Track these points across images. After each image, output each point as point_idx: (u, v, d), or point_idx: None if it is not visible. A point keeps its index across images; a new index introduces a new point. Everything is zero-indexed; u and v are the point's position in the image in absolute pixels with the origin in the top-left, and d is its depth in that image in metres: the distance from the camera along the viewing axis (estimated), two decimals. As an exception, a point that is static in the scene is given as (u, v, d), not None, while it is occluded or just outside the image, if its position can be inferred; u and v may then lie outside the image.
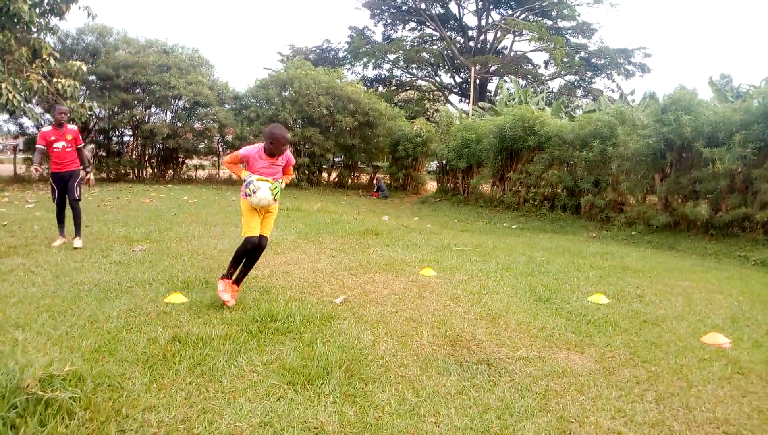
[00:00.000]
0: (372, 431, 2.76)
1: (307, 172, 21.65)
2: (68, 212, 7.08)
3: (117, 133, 20.31)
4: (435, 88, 42.24)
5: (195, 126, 20.40)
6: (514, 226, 13.60)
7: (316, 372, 3.32)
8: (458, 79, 41.14)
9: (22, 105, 13.80)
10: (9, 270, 5.49)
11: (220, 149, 21.95)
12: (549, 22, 35.37)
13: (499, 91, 31.98)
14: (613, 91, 36.09)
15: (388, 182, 22.53)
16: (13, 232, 7.73)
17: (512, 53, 38.95)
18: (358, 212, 13.09)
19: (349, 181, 22.80)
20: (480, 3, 37.31)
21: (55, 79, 14.31)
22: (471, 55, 36.26)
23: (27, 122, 18.21)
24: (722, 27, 77.41)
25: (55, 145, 6.90)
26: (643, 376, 3.58)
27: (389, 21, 40.04)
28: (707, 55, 75.83)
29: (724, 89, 17.11)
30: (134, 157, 20.34)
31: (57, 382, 2.86)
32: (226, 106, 20.94)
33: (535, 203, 15.47)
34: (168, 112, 20.18)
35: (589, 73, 37.52)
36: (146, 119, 19.30)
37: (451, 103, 39.95)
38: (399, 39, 38.88)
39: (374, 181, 22.68)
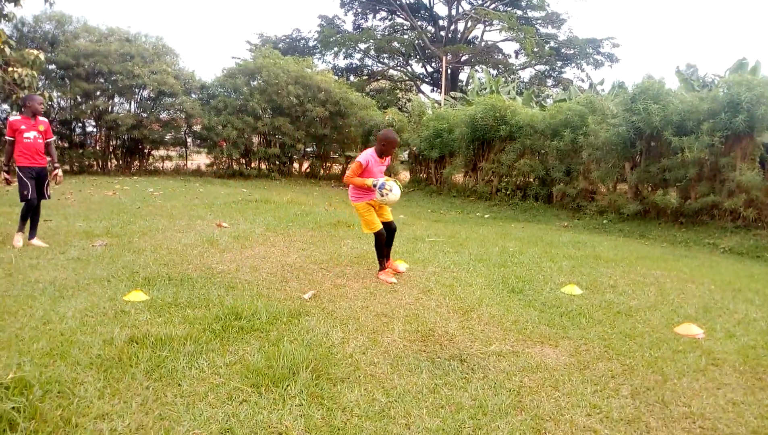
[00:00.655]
0: (340, 435, 2.62)
1: (277, 162, 21.30)
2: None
3: (80, 123, 19.63)
4: (407, 78, 42.02)
5: (161, 116, 19.84)
6: (486, 216, 13.57)
7: (281, 373, 3.17)
8: (430, 69, 41.01)
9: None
10: (-43, 268, 5.18)
11: (188, 140, 21.44)
12: (519, 12, 35.40)
13: (471, 80, 31.88)
14: (582, 80, 36.52)
15: (361, 172, 22.29)
16: (-36, 228, 7.34)
17: (483, 43, 38.94)
18: (329, 203, 12.89)
19: (321, 171, 22.52)
20: (451, -8, 37.18)
21: (11, 69, 13.69)
22: (442, 45, 36.12)
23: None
24: (688, 17, 78.73)
25: (26, 135, 6.30)
26: (618, 369, 3.52)
27: (359, 10, 39.61)
28: (673, 46, 77.08)
29: (690, 79, 17.33)
30: (98, 148, 19.70)
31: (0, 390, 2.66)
32: (193, 95, 20.39)
33: (508, 192, 15.46)
34: (132, 102, 19.55)
35: (559, 63, 37.75)
36: (110, 109, 18.69)
37: (423, 93, 39.85)
38: (370, 28, 38.52)
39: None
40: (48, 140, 6.58)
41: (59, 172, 6.67)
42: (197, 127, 20.11)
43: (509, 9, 35.16)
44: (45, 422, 2.57)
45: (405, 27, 39.17)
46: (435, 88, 39.59)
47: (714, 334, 4.30)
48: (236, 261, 6.03)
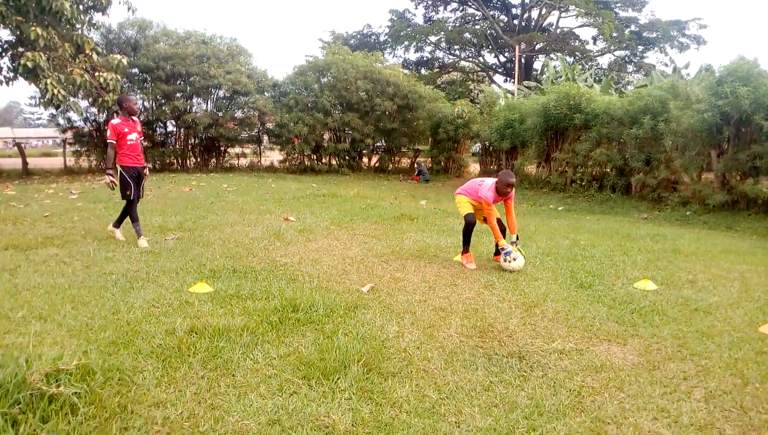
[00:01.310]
0: (386, 431, 2.56)
1: (347, 157, 21.51)
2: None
3: (161, 123, 20.66)
4: (479, 69, 41.34)
5: (236, 115, 20.54)
6: (560, 208, 13.10)
7: (333, 366, 3.14)
8: (502, 59, 40.15)
9: (67, 99, 14.13)
10: (42, 260, 5.53)
11: (264, 138, 22.11)
12: (596, -4, 33.93)
13: (545, 69, 30.90)
14: (666, 65, 34.51)
15: (430, 166, 22.15)
16: (53, 223, 7.85)
17: (558, 30, 37.63)
18: (395, 197, 12.87)
19: (390, 165, 22.55)
20: (524, -21, 36.18)
21: (97, 73, 14.57)
22: (515, 34, 35.25)
23: (74, 116, 18.71)
24: (786, -7, 72.54)
25: (129, 138, 6.43)
26: (691, 371, 3.25)
27: (430, 3, 39.30)
28: (770, 24, 71.36)
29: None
30: (177, 147, 20.67)
31: (63, 376, 2.77)
32: (266, 94, 20.98)
33: (583, 184, 14.87)
34: (209, 102, 20.38)
35: (641, 48, 35.87)
36: (188, 109, 19.53)
37: (496, 83, 39.05)
38: (440, 20, 38.16)
39: (415, 165, 22.36)
40: (141, 139, 6.75)
41: (146, 170, 6.89)
42: (270, 125, 20.65)
43: (586, -8, 33.73)
44: (103, 408, 2.66)
45: (477, 17, 38.51)
46: (508, 79, 38.73)
47: (806, 335, 3.90)
48: (299, 254, 6.10)
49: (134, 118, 6.64)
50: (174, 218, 8.34)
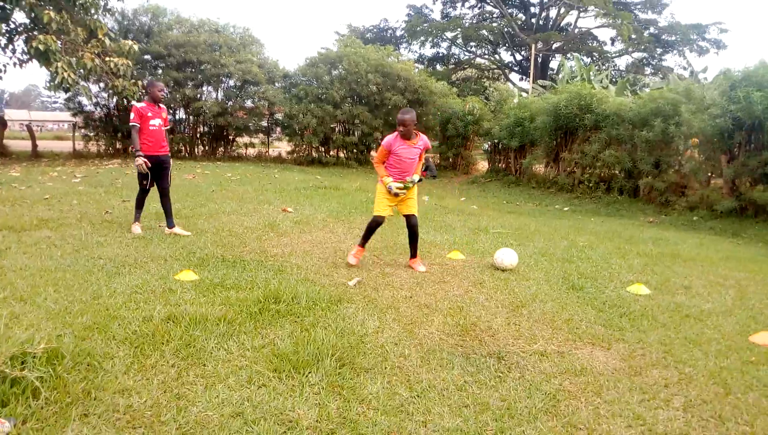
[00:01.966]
0: (350, 428, 2.50)
1: (355, 150, 21.43)
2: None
3: (170, 111, 20.70)
4: (494, 66, 41.06)
5: (245, 104, 20.53)
6: (566, 209, 12.96)
7: (306, 359, 3.09)
8: (519, 57, 39.88)
9: (77, 83, 14.18)
10: (33, 242, 5.53)
11: (274, 128, 22.10)
12: (616, -4, 33.57)
13: (561, 68, 30.63)
14: (684, 68, 34.11)
15: (438, 161, 22.02)
16: (51, 205, 7.87)
17: (576, 30, 37.30)
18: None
19: (399, 160, 22.43)
20: (542, -23, 35.84)
21: (108, 58, 14.60)
22: (532, 32, 34.96)
23: (84, 100, 18.79)
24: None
25: (151, 123, 6.16)
26: (673, 378, 3.16)
27: (448, -2, 39.11)
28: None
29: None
30: (186, 134, 20.70)
31: (29, 359, 2.74)
32: (276, 84, 20.94)
33: (590, 185, 14.69)
34: (219, 91, 20.38)
35: (659, 50, 35.48)
36: (198, 97, 19.55)
37: (511, 81, 38.82)
38: (458, 17, 37.95)
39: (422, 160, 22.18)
40: (165, 128, 6.47)
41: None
42: (279, 115, 20.63)
43: (605, -7, 33.35)
44: (67, 393, 2.63)
45: (494, 15, 38.27)
46: (524, 77, 38.43)
47: (799, 347, 3.78)
48: (291, 245, 6.05)
49: (160, 105, 6.40)
50: (172, 205, 8.30)
